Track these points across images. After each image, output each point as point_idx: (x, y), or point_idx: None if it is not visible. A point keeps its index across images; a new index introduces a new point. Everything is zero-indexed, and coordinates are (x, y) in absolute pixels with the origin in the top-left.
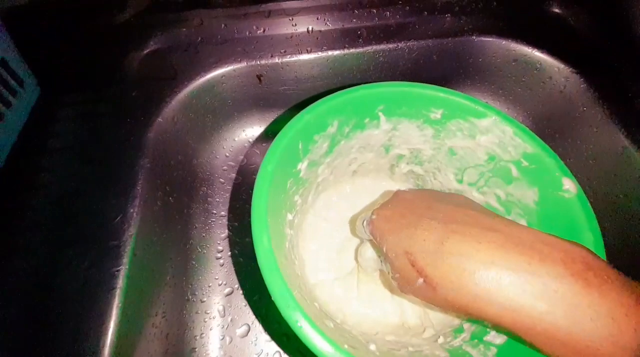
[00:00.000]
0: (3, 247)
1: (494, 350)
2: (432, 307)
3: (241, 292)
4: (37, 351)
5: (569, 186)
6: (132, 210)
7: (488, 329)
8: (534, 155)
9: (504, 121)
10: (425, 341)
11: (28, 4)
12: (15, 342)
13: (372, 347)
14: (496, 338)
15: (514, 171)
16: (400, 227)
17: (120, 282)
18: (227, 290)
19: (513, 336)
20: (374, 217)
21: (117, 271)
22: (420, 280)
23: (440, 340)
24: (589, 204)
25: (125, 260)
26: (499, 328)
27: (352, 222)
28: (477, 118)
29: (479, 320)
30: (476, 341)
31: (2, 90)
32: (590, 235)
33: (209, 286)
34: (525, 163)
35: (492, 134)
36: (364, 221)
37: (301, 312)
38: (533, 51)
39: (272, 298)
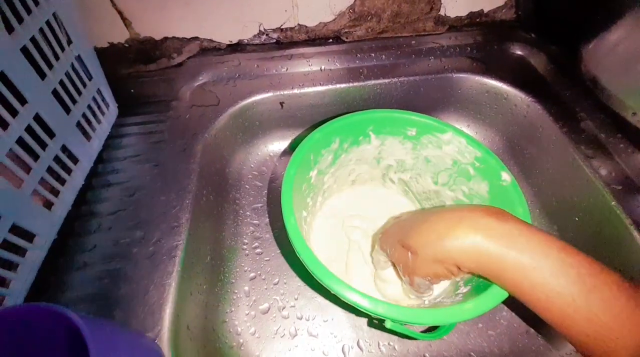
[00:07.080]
0: (89, 227)
1: (460, 296)
2: (433, 279)
3: (263, 277)
4: (116, 300)
5: (506, 177)
6: (187, 201)
7: (459, 284)
8: (482, 157)
9: (458, 134)
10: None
11: (110, 47)
12: (97, 293)
13: None
14: (463, 289)
15: (471, 171)
16: (395, 232)
17: (180, 252)
18: (252, 275)
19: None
20: (380, 237)
21: (178, 244)
22: (409, 254)
23: (426, 302)
24: (519, 188)
25: (184, 237)
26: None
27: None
28: (440, 133)
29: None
30: (451, 294)
31: (97, 112)
32: (521, 209)
33: (237, 271)
34: (477, 164)
35: (452, 144)
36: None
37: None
38: (501, 85)
39: (303, 261)
